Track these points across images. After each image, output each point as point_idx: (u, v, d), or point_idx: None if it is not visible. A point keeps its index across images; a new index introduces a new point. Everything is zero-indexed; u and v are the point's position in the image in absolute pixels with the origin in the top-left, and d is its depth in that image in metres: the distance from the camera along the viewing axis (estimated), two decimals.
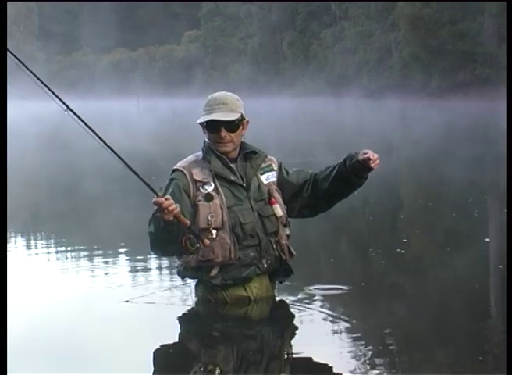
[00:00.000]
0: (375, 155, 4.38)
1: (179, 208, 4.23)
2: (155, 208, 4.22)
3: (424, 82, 48.02)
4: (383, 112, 38.52)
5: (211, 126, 4.50)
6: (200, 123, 4.54)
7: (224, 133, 4.48)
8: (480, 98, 41.39)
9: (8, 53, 4.29)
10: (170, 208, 4.17)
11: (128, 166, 4.31)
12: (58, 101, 4.33)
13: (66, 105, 4.32)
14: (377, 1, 54.16)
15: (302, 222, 4.94)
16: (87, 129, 4.28)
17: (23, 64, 4.32)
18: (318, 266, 6.22)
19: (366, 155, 4.36)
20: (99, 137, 4.29)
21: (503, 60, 35.62)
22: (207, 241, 4.35)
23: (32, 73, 4.33)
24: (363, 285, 5.34)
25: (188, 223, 4.30)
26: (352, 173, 4.44)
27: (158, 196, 4.19)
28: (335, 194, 4.60)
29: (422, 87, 47.74)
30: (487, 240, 6.85)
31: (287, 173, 4.67)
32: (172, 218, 4.21)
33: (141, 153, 16.64)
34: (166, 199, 4.17)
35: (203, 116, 4.52)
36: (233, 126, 4.49)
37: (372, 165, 4.37)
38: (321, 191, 4.58)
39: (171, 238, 4.30)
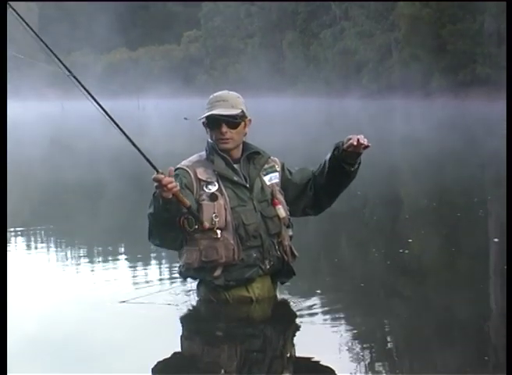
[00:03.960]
0: (359, 138, 4.30)
1: (178, 187, 4.20)
2: (155, 185, 4.19)
3: (425, 82, 48.03)
4: (383, 113, 38.49)
5: (212, 123, 4.49)
6: (202, 122, 4.54)
7: (225, 129, 4.46)
8: (480, 97, 41.41)
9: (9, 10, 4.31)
10: (169, 185, 4.13)
11: (128, 138, 4.32)
12: (61, 65, 4.36)
13: (68, 70, 4.36)
14: (377, 1, 54.16)
15: (305, 222, 4.93)
16: (88, 96, 4.31)
17: (25, 22, 4.34)
18: (321, 266, 6.21)
19: (350, 142, 4.33)
20: (99, 105, 4.33)
21: (503, 60, 35.61)
22: (206, 224, 4.34)
23: (34, 32, 4.36)
24: (365, 285, 5.33)
25: (188, 203, 4.27)
26: (342, 161, 4.41)
27: (158, 172, 4.16)
28: (333, 188, 4.57)
29: (422, 87, 47.76)
30: (496, 240, 6.81)
31: (290, 173, 4.67)
32: (170, 196, 4.17)
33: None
34: (166, 176, 4.14)
35: (206, 113, 4.51)
36: (234, 122, 4.48)
37: (360, 148, 4.32)
38: (320, 187, 4.57)
39: (169, 217, 4.25)
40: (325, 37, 61.38)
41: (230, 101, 4.51)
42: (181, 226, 4.30)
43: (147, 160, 4.25)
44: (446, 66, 47.38)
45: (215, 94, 4.57)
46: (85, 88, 4.32)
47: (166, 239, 4.46)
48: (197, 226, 4.33)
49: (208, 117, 4.49)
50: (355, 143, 4.30)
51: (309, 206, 4.66)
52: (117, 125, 4.34)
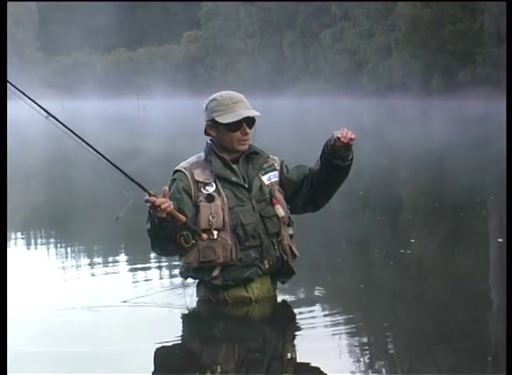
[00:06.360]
0: (343, 132, 4.33)
1: (172, 206, 4.23)
2: (148, 205, 4.21)
3: (425, 82, 48.05)
4: (384, 112, 38.50)
5: (238, 124, 4.46)
6: (208, 123, 4.51)
7: (248, 130, 4.49)
8: (480, 97, 41.41)
9: None
10: (163, 206, 4.17)
11: (117, 168, 4.32)
12: (37, 108, 4.36)
13: (46, 111, 4.35)
14: (377, 1, 54.19)
15: (306, 222, 4.92)
16: (72, 134, 4.32)
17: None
18: (322, 265, 6.20)
19: (335, 136, 4.35)
20: (85, 142, 4.33)
21: (503, 60, 35.63)
22: (204, 236, 4.34)
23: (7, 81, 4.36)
24: (366, 285, 5.32)
25: (183, 219, 4.29)
26: (333, 157, 4.41)
27: (150, 195, 4.18)
28: (327, 184, 4.55)
29: (422, 86, 47.78)
30: (500, 240, 6.79)
31: (287, 170, 4.66)
32: (164, 215, 4.20)
33: (142, 153, 16.65)
34: (158, 197, 4.17)
35: (226, 114, 4.45)
36: (253, 122, 4.51)
37: (345, 140, 4.32)
38: (315, 184, 4.56)
39: (167, 235, 4.30)
40: (325, 37, 61.41)
41: (246, 101, 4.52)
42: (179, 244, 4.34)
43: (137, 183, 4.27)
44: (446, 66, 47.39)
45: (229, 95, 4.51)
46: (68, 128, 4.35)
47: (167, 250, 4.49)
48: (194, 241, 4.35)
49: (244, 119, 4.44)
50: (339, 135, 4.31)
51: (306, 203, 4.65)
52: (108, 160, 4.35)
